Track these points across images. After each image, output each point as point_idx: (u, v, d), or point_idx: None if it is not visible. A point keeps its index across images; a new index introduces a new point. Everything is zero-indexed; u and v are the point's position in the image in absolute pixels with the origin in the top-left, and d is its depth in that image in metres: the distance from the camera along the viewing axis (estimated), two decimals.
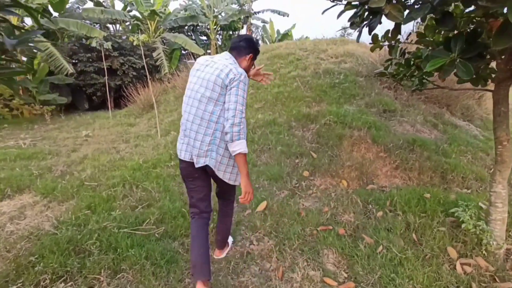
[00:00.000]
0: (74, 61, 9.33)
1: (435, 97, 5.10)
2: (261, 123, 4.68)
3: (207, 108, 1.63)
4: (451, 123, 4.83)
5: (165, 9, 10.57)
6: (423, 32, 2.27)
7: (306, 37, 16.09)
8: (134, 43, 4.58)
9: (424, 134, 4.39)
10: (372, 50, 2.66)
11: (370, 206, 2.86)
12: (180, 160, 1.77)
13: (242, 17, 14.59)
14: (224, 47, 14.95)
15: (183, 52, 11.90)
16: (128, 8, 11.28)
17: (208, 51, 14.02)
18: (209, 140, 1.64)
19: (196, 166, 1.68)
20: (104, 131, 5.81)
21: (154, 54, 9.55)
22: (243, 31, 15.49)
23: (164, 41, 11.60)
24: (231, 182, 1.76)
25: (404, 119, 4.62)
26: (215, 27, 12.97)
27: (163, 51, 9.72)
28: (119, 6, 12.27)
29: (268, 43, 14.98)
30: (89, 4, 10.96)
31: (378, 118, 4.55)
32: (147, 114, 7.13)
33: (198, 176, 1.77)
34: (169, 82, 8.55)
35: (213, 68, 1.67)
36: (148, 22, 10.58)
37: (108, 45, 7.42)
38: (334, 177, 3.46)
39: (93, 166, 3.56)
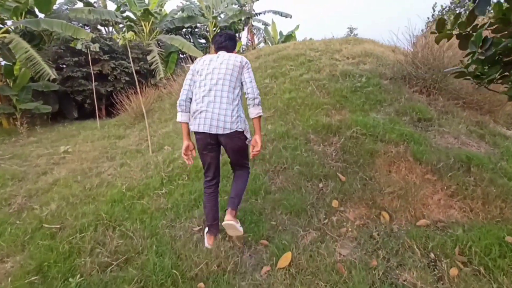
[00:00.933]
0: (60, 65, 8.65)
1: (475, 103, 4.38)
2: (272, 136, 3.95)
3: (230, 90, 2.07)
4: (499, 133, 4.10)
5: (160, 10, 9.93)
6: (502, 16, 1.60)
7: (310, 38, 15.46)
8: (120, 43, 3.87)
9: (471, 148, 3.65)
10: (437, 41, 1.95)
11: (433, 255, 2.12)
12: (198, 132, 2.06)
13: (243, 18, 13.96)
14: None
15: (180, 55, 11.24)
16: (122, 9, 10.63)
17: (208, 54, 13.38)
18: (235, 113, 2.05)
19: (223, 133, 2.01)
20: (87, 145, 5.07)
21: (149, 58, 8.87)
22: (244, 33, 14.88)
23: (160, 43, 10.94)
24: (248, 137, 2.13)
25: (444, 129, 3.89)
26: (214, 28, 12.33)
27: (158, 54, 9.04)
28: (112, 7, 11.64)
29: (270, 44, 14.33)
30: (80, 5, 10.32)
31: (413, 128, 3.82)
32: (139, 124, 6.40)
33: (212, 148, 2.12)
34: (164, 88, 7.85)
35: (225, 59, 2.13)
36: (142, 23, 9.93)
37: (95, 47, 6.73)
38: (371, 208, 2.73)
39: (62, 197, 2.82)
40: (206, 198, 2.25)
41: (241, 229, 2.11)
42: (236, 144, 2.11)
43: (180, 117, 2.15)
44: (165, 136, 5.00)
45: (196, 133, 2.08)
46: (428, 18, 11.88)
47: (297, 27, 14.14)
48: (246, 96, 2.14)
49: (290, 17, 14.39)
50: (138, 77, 9.73)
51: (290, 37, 13.52)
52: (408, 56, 4.83)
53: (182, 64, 11.16)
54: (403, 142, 3.49)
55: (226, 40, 2.28)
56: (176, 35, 11.91)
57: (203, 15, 11.48)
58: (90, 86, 8.65)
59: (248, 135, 2.14)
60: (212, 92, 2.05)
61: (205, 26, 13.37)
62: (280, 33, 14.73)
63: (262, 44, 14.93)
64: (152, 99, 7.45)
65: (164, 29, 11.13)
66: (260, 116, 2.12)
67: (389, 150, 3.37)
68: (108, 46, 8.64)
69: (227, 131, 2.02)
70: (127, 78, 9.01)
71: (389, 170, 3.18)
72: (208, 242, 2.20)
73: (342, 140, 3.62)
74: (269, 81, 5.45)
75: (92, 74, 7.25)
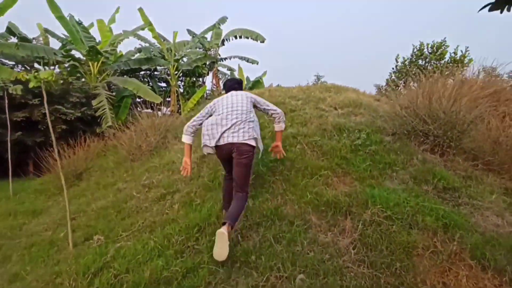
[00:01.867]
0: None
1: (496, 164, 3.68)
2: (255, 218, 2.80)
3: (246, 115, 2.76)
4: None
5: (113, 50, 8.86)
6: None
7: (278, 85, 15.28)
8: (30, 85, 2.63)
9: None
10: None
11: None
12: (219, 146, 2.70)
13: (207, 62, 13.41)
14: (186, 95, 13.40)
15: (138, 100, 10.02)
16: (68, 47, 9.36)
17: (168, 99, 12.29)
18: (251, 130, 2.70)
19: (240, 142, 2.63)
20: None
21: (94, 102, 7.52)
22: (209, 78, 14.22)
23: (112, 86, 9.68)
24: (260, 146, 2.84)
25: (478, 202, 3.04)
26: (176, 72, 11.46)
27: (107, 98, 7.74)
28: (56, 45, 10.30)
29: None
30: (14, 41, 8.86)
31: (442, 202, 2.92)
32: (69, 190, 4.84)
33: (228, 159, 2.73)
34: (110, 139, 6.44)
35: (239, 96, 2.93)
36: (90, 63, 8.71)
37: (15, 89, 5.30)
38: None
39: None
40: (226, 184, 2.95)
41: (227, 248, 2.31)
42: (241, 159, 2.63)
43: (187, 139, 2.86)
44: (100, 214, 3.58)
45: (217, 147, 2.72)
46: (393, 68, 12.30)
47: (265, 73, 13.90)
48: (272, 117, 3.06)
49: (257, 63, 14.19)
50: (80, 125, 8.25)
51: (258, 83, 13.12)
52: (409, 108, 4.15)
53: (139, 109, 9.83)
54: (444, 227, 2.52)
55: (235, 84, 3.17)
56: (132, 77, 10.80)
57: (163, 57, 10.61)
58: (14, 135, 6.94)
59: (260, 145, 2.83)
60: (233, 117, 2.73)
61: (166, 69, 12.48)
62: (247, 78, 14.34)
63: None
64: (93, 154, 5.98)
65: (118, 71, 9.97)
66: (283, 129, 3.09)
67: (431, 243, 2.36)
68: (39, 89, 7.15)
69: (243, 141, 2.64)
70: (64, 126, 7.45)
71: (440, 278, 2.13)
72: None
73: (359, 226, 2.57)
74: None
75: (8, 121, 5.68)
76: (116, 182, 4.52)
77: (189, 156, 2.90)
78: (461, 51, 10.67)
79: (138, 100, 10.09)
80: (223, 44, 13.31)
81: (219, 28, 12.89)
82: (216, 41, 12.81)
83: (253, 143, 2.66)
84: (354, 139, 3.88)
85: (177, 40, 12.45)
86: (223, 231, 2.30)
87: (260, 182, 3.38)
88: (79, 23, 9.41)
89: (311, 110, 4.81)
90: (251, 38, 12.90)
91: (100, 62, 8.64)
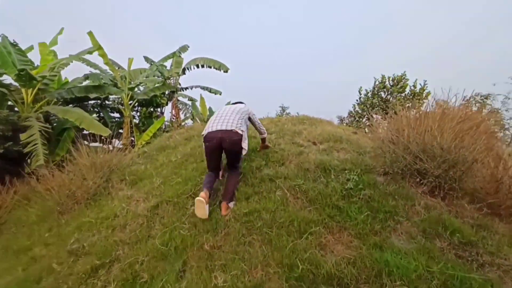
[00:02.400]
0: None
1: (501, 207, 3.25)
2: None
3: (234, 120, 3.22)
4: None
5: (53, 75, 7.68)
6: None
7: None
8: None
9: None
10: None
11: None
12: (209, 135, 3.14)
13: (167, 92, 12.57)
14: (142, 126, 12.28)
15: (86, 132, 8.73)
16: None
17: (120, 130, 11.07)
18: (239, 124, 3.19)
19: (229, 129, 3.12)
20: None
21: (23, 136, 6.22)
22: (168, 108, 13.28)
23: (51, 117, 8.35)
24: (245, 146, 3.18)
25: (503, 261, 2.49)
26: (131, 102, 10.43)
27: (40, 131, 6.47)
28: None
29: (199, 121, 12.95)
30: None
31: (461, 263, 2.32)
32: None
33: (217, 151, 3.18)
34: (38, 180, 5.16)
35: (234, 107, 3.54)
36: (23, 91, 7.41)
37: None
38: None
39: None
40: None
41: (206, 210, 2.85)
42: (232, 149, 3.15)
43: None
44: None
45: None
46: (357, 100, 12.48)
47: (229, 104, 13.35)
48: (259, 131, 3.89)
49: (220, 94, 13.64)
50: (3, 164, 6.79)
51: None
52: (398, 143, 3.68)
53: (86, 143, 8.46)
54: None
55: (236, 103, 3.87)
56: (78, 107, 9.53)
57: (115, 85, 9.58)
58: None
59: (244, 145, 3.18)
60: (224, 119, 3.25)
61: (119, 98, 11.40)
62: (210, 109, 13.67)
63: (189, 122, 13.44)
64: (10, 203, 4.67)
65: (60, 99, 8.71)
66: (266, 136, 4.00)
67: None
68: None
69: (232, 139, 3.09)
70: None
71: None
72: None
73: None
74: None
75: None
76: (33, 246, 3.35)
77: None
78: (420, 84, 11.14)
79: (86, 132, 8.81)
80: (184, 73, 12.65)
81: (179, 56, 12.28)
82: (176, 70, 12.12)
83: (240, 132, 3.11)
84: (344, 181, 3.26)
85: (132, 68, 11.55)
86: (201, 198, 2.80)
87: (232, 245, 2.54)
88: (14, 45, 8.18)
89: (287, 146, 4.17)
90: (214, 68, 12.43)
91: (35, 89, 7.40)
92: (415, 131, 3.73)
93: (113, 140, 13.99)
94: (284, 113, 14.26)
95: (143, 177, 4.17)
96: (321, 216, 2.74)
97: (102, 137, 6.38)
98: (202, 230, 2.77)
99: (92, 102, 12.17)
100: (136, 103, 11.47)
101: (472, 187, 3.32)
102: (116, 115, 13.12)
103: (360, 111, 12.40)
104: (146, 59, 12.40)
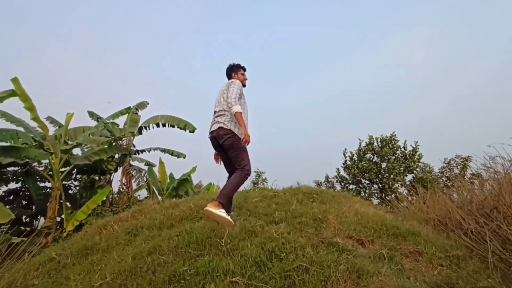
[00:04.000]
0: None
1: None
2: None
3: (219, 107, 3.19)
4: None
5: None
6: None
7: (210, 183, 12.76)
8: None
9: None
10: None
11: None
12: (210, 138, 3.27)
13: (118, 155, 10.35)
14: (81, 200, 9.67)
15: None
16: None
17: (47, 203, 8.37)
18: (223, 117, 3.10)
19: (215, 129, 3.13)
20: None
21: None
22: (117, 175, 10.87)
23: None
24: (238, 135, 3.01)
25: None
26: (63, 169, 8.07)
27: None
28: None
29: (157, 192, 10.61)
30: None
31: None
32: None
33: (220, 150, 3.22)
34: None
35: (223, 86, 3.30)
36: None
37: None
38: None
39: None
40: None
41: (219, 213, 2.65)
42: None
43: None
44: None
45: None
46: (343, 164, 11.27)
47: (194, 169, 11.38)
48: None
49: (184, 157, 11.72)
50: None
51: (185, 181, 10.37)
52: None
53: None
54: None
55: (226, 73, 3.51)
56: None
57: (41, 146, 7.29)
58: None
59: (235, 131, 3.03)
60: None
61: (48, 164, 8.96)
62: (171, 176, 11.53)
63: (144, 192, 11.01)
64: None
65: None
66: (238, 112, 2.98)
67: None
68: None
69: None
70: None
71: None
72: None
73: None
74: None
75: None
76: None
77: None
78: (411, 146, 10.32)
79: None
80: (141, 133, 10.72)
81: (136, 113, 10.50)
82: (131, 129, 10.18)
83: (227, 126, 3.02)
84: None
85: (75, 125, 9.46)
86: (206, 208, 2.77)
87: None
88: None
89: (322, 254, 2.28)
90: (178, 127, 10.73)
91: None
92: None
93: (38, 219, 10.88)
94: (260, 178, 12.54)
95: None
96: None
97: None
98: None
99: (15, 168, 9.52)
100: (74, 169, 9.06)
101: None
102: (49, 184, 10.38)
103: (346, 176, 11.12)
104: (91, 114, 10.35)
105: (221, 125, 3.01)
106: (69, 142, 8.46)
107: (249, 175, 2.96)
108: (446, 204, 3.54)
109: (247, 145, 3.00)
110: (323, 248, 2.39)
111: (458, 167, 11.29)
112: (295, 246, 2.41)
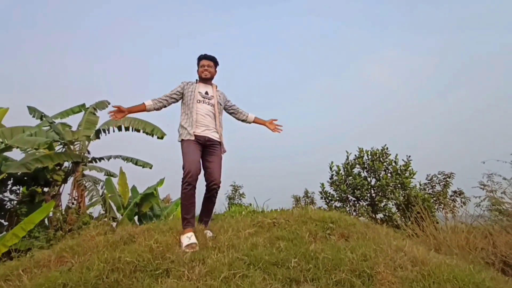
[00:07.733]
0: None
1: None
2: None
3: None
4: None
5: None
6: None
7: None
8: None
9: None
10: None
11: None
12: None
13: (69, 163, 8.70)
14: (16, 217, 7.89)
15: None
16: None
17: None
18: None
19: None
20: None
21: None
22: (67, 187, 9.16)
23: None
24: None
25: None
26: None
27: None
28: None
29: (115, 209, 9.01)
30: None
31: None
32: None
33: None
34: None
35: None
36: None
37: None
38: None
39: None
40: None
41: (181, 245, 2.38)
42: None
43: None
44: None
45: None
46: (330, 179, 10.39)
47: (162, 181, 9.95)
48: None
49: (150, 167, 10.26)
50: None
51: (150, 196, 8.92)
52: None
53: None
54: None
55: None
56: None
57: None
58: None
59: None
60: None
61: None
62: (134, 189, 9.99)
63: (99, 209, 9.29)
64: None
65: None
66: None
67: None
68: None
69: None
70: None
71: None
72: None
73: None
74: None
75: None
76: None
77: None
78: (403, 160, 9.67)
79: None
80: (98, 137, 9.16)
81: (94, 114, 8.99)
82: (86, 132, 8.62)
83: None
84: None
85: (13, 124, 7.78)
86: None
87: None
88: None
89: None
90: (145, 132, 9.34)
91: None
92: None
93: None
94: (237, 193, 11.31)
95: None
96: None
97: None
98: None
99: None
100: (7, 177, 7.36)
101: None
102: None
103: (332, 192, 10.24)
104: (32, 110, 8.56)
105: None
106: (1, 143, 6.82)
107: (187, 182, 2.55)
108: None
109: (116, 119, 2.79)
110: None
111: (441, 184, 10.97)
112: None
